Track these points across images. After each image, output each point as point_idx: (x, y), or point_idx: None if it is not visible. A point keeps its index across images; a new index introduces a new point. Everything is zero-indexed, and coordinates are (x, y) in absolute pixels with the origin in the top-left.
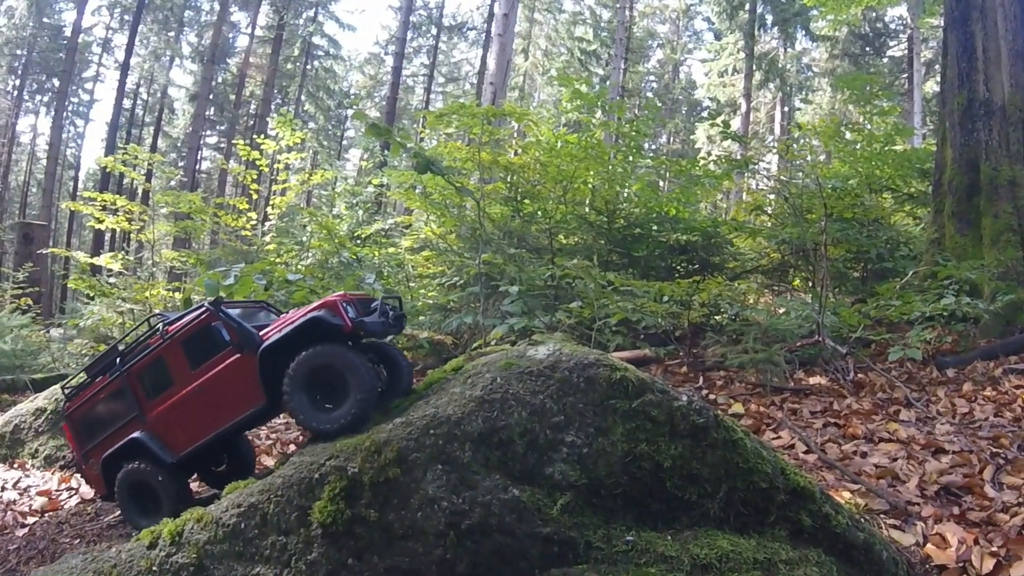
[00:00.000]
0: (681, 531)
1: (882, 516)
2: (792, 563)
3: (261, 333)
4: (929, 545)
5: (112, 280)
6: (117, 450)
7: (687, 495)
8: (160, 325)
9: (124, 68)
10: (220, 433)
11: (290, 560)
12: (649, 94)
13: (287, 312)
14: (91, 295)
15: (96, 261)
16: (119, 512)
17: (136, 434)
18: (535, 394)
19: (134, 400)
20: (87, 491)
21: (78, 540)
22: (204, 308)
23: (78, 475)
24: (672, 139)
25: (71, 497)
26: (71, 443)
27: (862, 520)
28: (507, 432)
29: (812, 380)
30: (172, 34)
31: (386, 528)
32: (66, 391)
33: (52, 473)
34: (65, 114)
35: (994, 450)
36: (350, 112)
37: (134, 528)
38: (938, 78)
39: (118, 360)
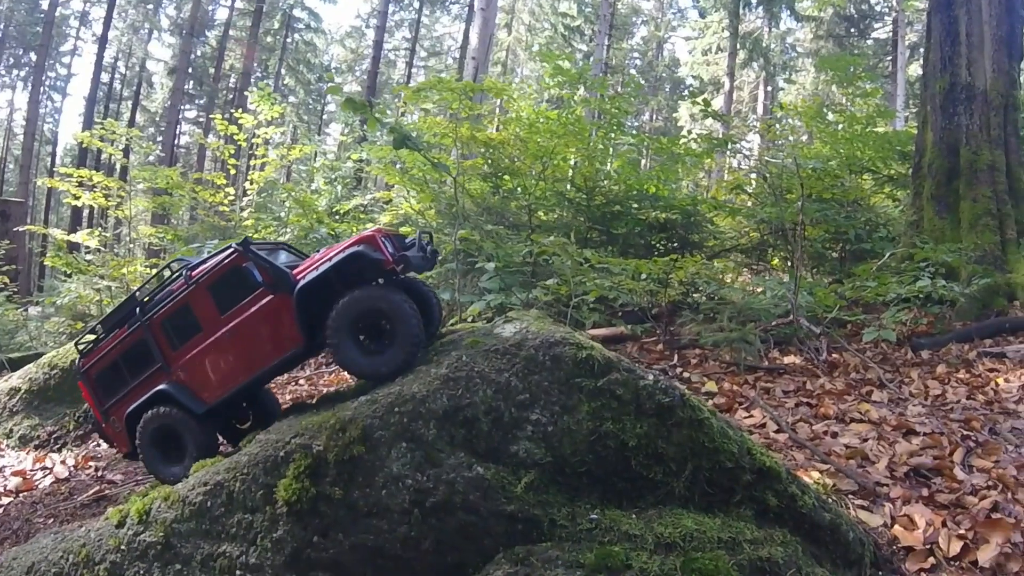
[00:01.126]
0: (646, 509)
1: (850, 497)
2: (757, 542)
3: (293, 272)
4: (896, 526)
5: (89, 257)
6: (142, 404)
7: (652, 474)
8: (183, 270)
9: (102, 41)
10: (255, 378)
11: (256, 538)
12: (632, 71)
13: (318, 250)
14: (68, 272)
15: (73, 238)
16: (93, 492)
17: (162, 386)
18: (500, 372)
19: (157, 351)
20: (61, 471)
21: (52, 520)
22: (232, 249)
23: (96, 435)
24: (655, 116)
25: (45, 477)
26: (88, 401)
27: (829, 500)
28: (472, 410)
29: (786, 360)
30: (151, 7)
31: (351, 506)
32: (80, 347)
33: (27, 453)
34: (42, 89)
35: (965, 433)
36: (334, 80)
37: (157, 478)
38: (922, 61)
39: (138, 310)
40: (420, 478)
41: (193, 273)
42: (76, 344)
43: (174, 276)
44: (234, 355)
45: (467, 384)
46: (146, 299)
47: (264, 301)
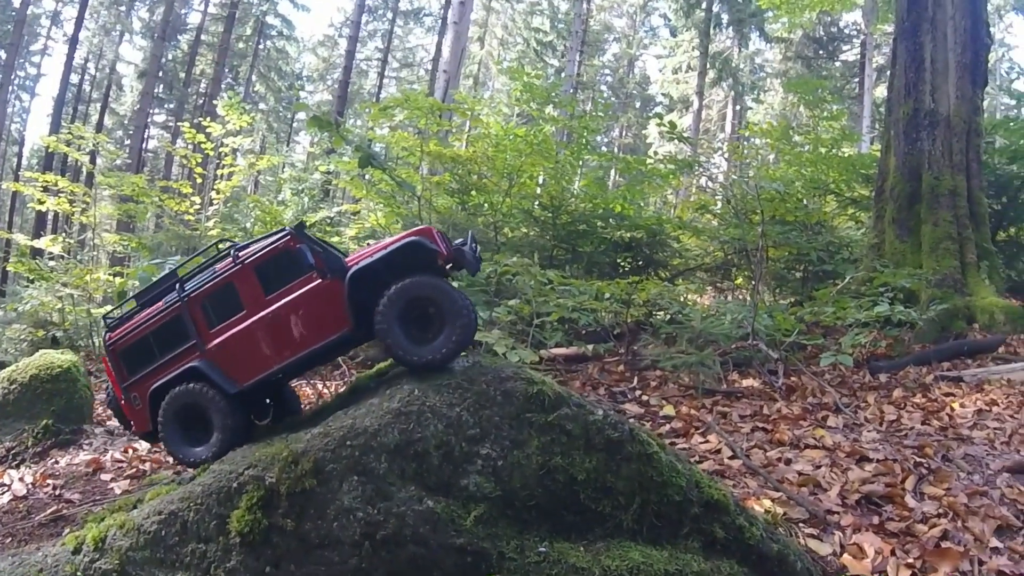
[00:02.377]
0: (594, 542)
1: (801, 525)
2: (703, 574)
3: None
4: (846, 555)
5: (52, 263)
6: (171, 380)
7: (601, 507)
8: (231, 250)
9: (73, 42)
10: (294, 361)
11: (209, 568)
12: (604, 87)
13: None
14: (31, 279)
15: (37, 243)
16: (51, 511)
17: (195, 363)
18: (452, 406)
19: (193, 328)
20: (19, 488)
21: (9, 539)
22: (285, 232)
23: (111, 412)
24: (625, 133)
25: (3, 494)
26: (110, 376)
27: (778, 530)
28: (423, 444)
29: (745, 383)
30: (123, 9)
31: (303, 538)
32: (108, 320)
33: None
34: (11, 88)
35: (918, 459)
36: (300, 95)
37: (178, 461)
38: (887, 86)
39: (177, 286)
40: (371, 511)
41: (241, 253)
42: (104, 317)
43: (219, 255)
44: (276, 336)
45: (418, 418)
46: (186, 276)
47: (313, 285)
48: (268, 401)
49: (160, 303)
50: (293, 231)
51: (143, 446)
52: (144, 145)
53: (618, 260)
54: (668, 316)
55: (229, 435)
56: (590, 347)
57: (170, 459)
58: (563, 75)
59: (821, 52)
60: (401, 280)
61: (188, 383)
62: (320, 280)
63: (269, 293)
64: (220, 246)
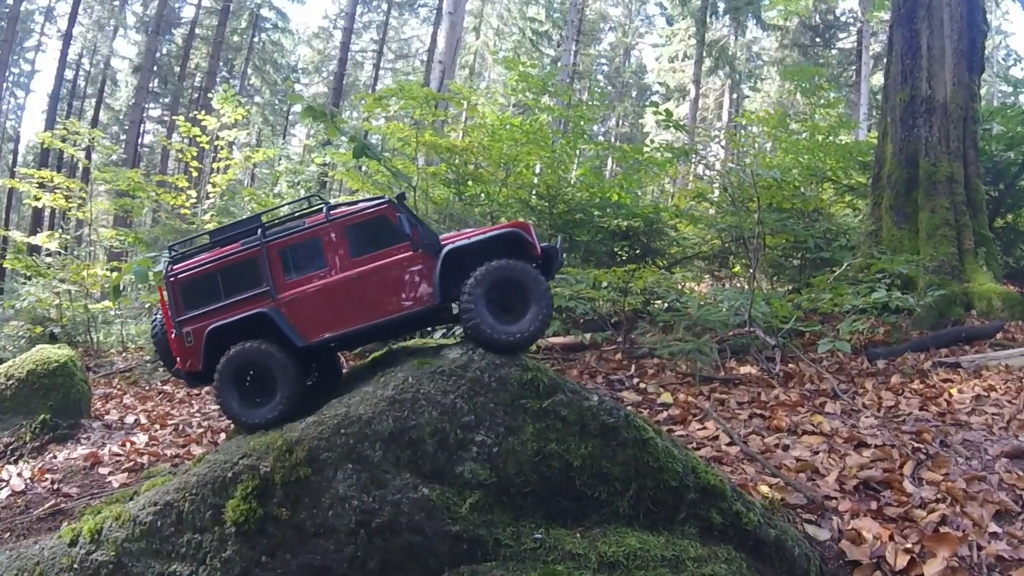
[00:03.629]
0: (590, 529)
1: (799, 510)
2: (701, 560)
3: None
4: (844, 541)
5: (49, 260)
6: (235, 323)
7: (597, 493)
8: (324, 205)
9: (67, 38)
10: (370, 326)
11: (205, 558)
12: (600, 77)
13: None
14: (28, 275)
15: (33, 240)
16: (49, 505)
17: (264, 310)
18: (446, 394)
19: (268, 275)
20: (17, 483)
21: (8, 533)
22: (384, 200)
23: (155, 346)
24: (621, 122)
25: (2, 489)
26: (164, 307)
27: (776, 516)
28: (417, 432)
29: (742, 370)
30: (117, 3)
31: (298, 526)
32: (173, 251)
33: None
34: (5, 85)
35: (916, 445)
36: (295, 88)
37: (239, 424)
38: (884, 73)
39: (260, 230)
40: (366, 499)
41: (334, 211)
42: (170, 248)
43: (308, 209)
44: (356, 299)
45: (413, 406)
46: (271, 223)
47: (403, 255)
48: (313, 364)
49: (236, 244)
50: (393, 200)
51: (140, 439)
52: (140, 140)
53: (615, 249)
54: (665, 304)
55: (293, 395)
56: (587, 336)
57: (167, 453)
58: (559, 64)
59: (818, 40)
60: (486, 263)
61: (251, 337)
62: (412, 252)
63: (357, 255)
64: (312, 200)
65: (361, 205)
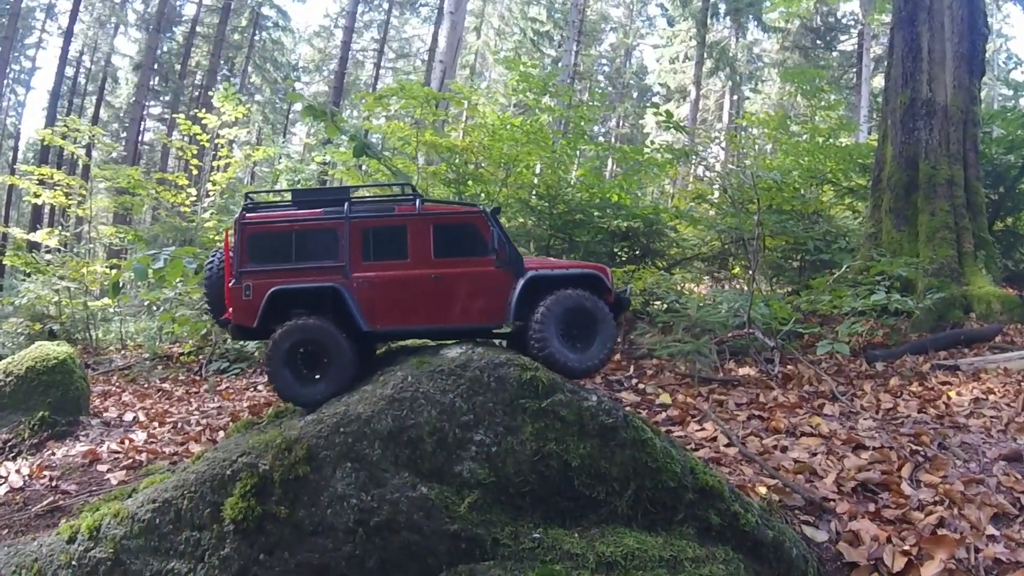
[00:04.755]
0: (588, 529)
1: (796, 512)
2: (698, 561)
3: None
4: (842, 542)
5: (49, 257)
6: (303, 290)
7: (595, 493)
8: (416, 196)
9: (67, 35)
10: (435, 328)
11: (204, 555)
12: (600, 77)
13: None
14: (28, 272)
15: (33, 237)
16: (47, 502)
17: (338, 285)
18: (445, 393)
19: (346, 251)
20: (16, 480)
21: (6, 530)
22: (477, 209)
23: (205, 292)
24: (622, 123)
25: (0, 486)
26: (226, 253)
27: (773, 517)
28: (416, 430)
29: (741, 371)
30: (118, 1)
31: (296, 525)
32: (248, 201)
33: None
34: (6, 82)
35: (914, 447)
36: (296, 86)
37: (290, 400)
38: (885, 75)
39: (347, 204)
40: (364, 498)
41: (428, 206)
42: (248, 195)
43: (399, 197)
44: (430, 298)
45: (412, 405)
46: (360, 200)
47: (486, 268)
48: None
49: (318, 211)
50: (488, 212)
51: (139, 437)
52: (140, 137)
53: (615, 250)
54: (665, 305)
55: (345, 378)
56: None
57: (165, 450)
58: (560, 65)
59: (819, 42)
60: (545, 298)
61: (313, 308)
62: (494, 268)
63: (439, 255)
64: (406, 189)
65: (455, 207)
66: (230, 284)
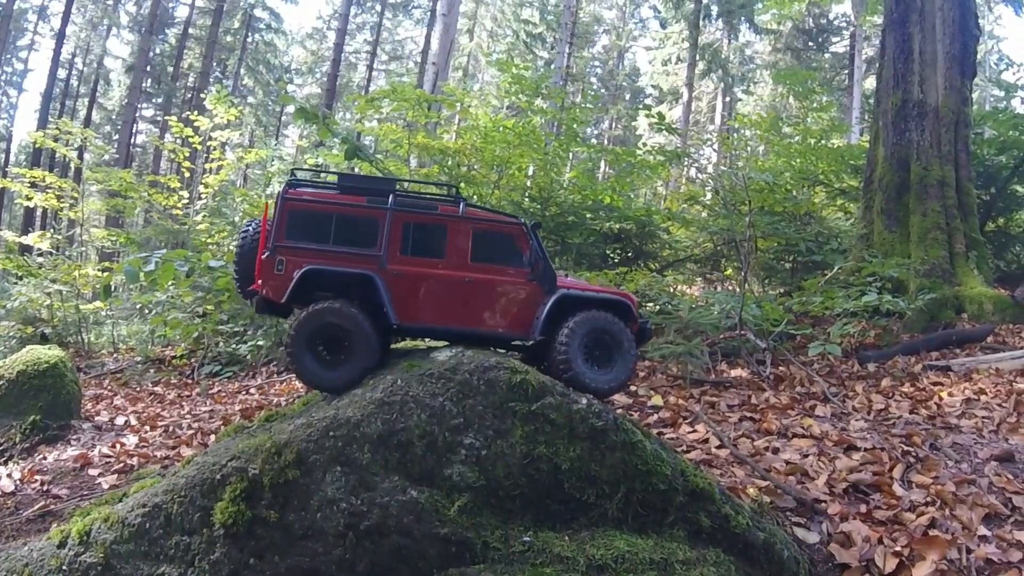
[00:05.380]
0: (579, 532)
1: (788, 513)
2: (689, 563)
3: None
4: (833, 544)
5: (41, 260)
6: (337, 273)
7: (585, 496)
8: (460, 200)
9: (60, 37)
10: (461, 331)
11: (194, 560)
12: (593, 79)
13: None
14: (20, 275)
15: (25, 240)
16: (39, 507)
17: (373, 274)
18: (435, 396)
19: (385, 242)
20: (7, 484)
21: None
22: (519, 221)
23: (235, 261)
24: (614, 125)
25: None
26: (264, 225)
27: (765, 519)
28: (406, 434)
29: (733, 373)
30: (110, 3)
31: (286, 529)
32: (293, 177)
33: None
34: None
35: (906, 448)
36: (288, 89)
37: (311, 384)
38: (876, 77)
39: (392, 196)
40: (354, 501)
41: (471, 211)
42: (294, 171)
43: (450, 198)
44: (461, 301)
45: (401, 408)
46: (404, 193)
47: (519, 280)
48: None
49: (361, 199)
50: (528, 226)
51: (131, 441)
52: (132, 140)
53: (607, 252)
54: (657, 307)
55: (367, 367)
56: None
57: (157, 454)
58: (552, 67)
59: (811, 44)
60: (571, 317)
61: (342, 293)
62: (527, 281)
63: (475, 260)
64: (451, 190)
65: (497, 216)
66: (263, 256)
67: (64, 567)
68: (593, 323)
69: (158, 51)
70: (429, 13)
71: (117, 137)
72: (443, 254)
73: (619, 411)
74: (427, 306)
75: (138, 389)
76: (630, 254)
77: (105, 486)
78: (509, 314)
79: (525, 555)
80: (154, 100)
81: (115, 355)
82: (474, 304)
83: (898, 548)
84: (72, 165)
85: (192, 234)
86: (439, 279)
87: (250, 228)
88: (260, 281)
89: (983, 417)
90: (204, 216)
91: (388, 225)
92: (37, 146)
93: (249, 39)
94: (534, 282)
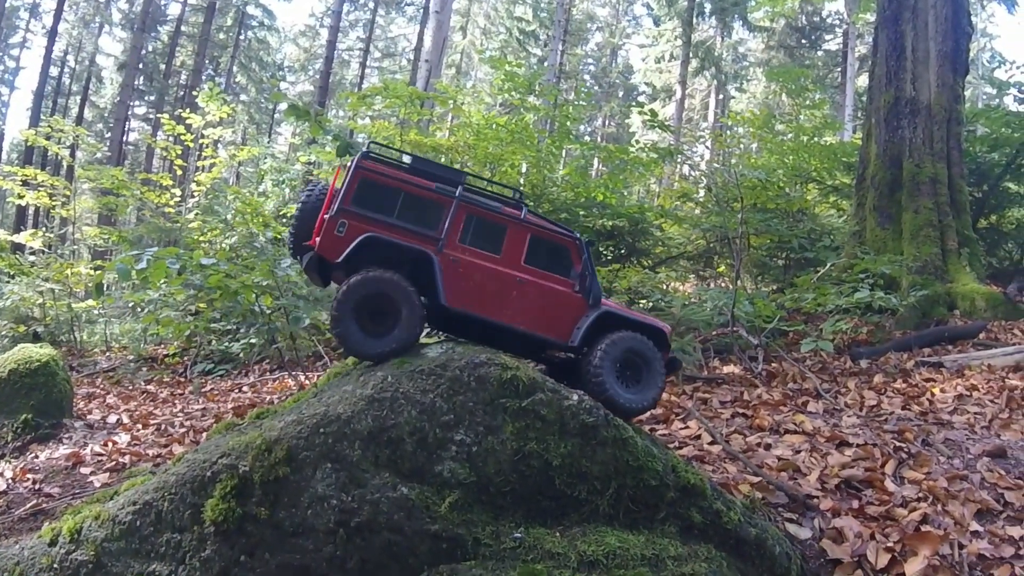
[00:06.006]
0: (570, 528)
1: (780, 509)
2: (681, 559)
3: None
4: (825, 539)
5: (33, 258)
6: (397, 245)
7: (576, 492)
8: (523, 204)
9: (52, 34)
10: (502, 325)
11: (184, 557)
12: (586, 77)
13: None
14: (11, 274)
15: (17, 238)
16: (31, 505)
17: (432, 254)
18: (425, 393)
19: (446, 227)
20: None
21: None
22: (575, 236)
23: (295, 216)
24: (608, 122)
25: None
26: (332, 186)
27: (756, 515)
28: (397, 431)
29: (726, 369)
30: (102, 0)
31: (277, 526)
32: (371, 149)
33: None
34: None
35: (898, 444)
36: (281, 86)
37: (353, 351)
38: (869, 74)
39: (460, 187)
40: (345, 498)
41: (531, 217)
42: (372, 143)
43: (514, 201)
44: (508, 296)
45: (392, 405)
46: (472, 187)
47: (564, 289)
48: None
49: (430, 182)
50: (583, 242)
51: (123, 439)
52: (124, 138)
53: (600, 248)
54: (650, 304)
55: (413, 336)
56: None
57: (149, 452)
58: (546, 64)
59: (804, 41)
60: (608, 335)
61: (393, 267)
62: (573, 292)
63: (528, 263)
64: (516, 195)
65: (555, 226)
66: (326, 215)
67: (55, 565)
68: (630, 343)
69: (150, 49)
70: (422, 10)
71: (109, 135)
72: (499, 251)
73: None
74: (475, 295)
75: (130, 387)
76: (623, 251)
77: (97, 484)
78: (552, 318)
79: (516, 551)
80: (146, 98)
81: (107, 353)
82: (521, 303)
83: (890, 544)
84: (64, 163)
85: (184, 232)
86: (492, 273)
87: (316, 187)
88: (319, 240)
89: (975, 413)
90: (196, 214)
91: (452, 213)
92: (29, 144)
93: (242, 36)
94: (580, 294)
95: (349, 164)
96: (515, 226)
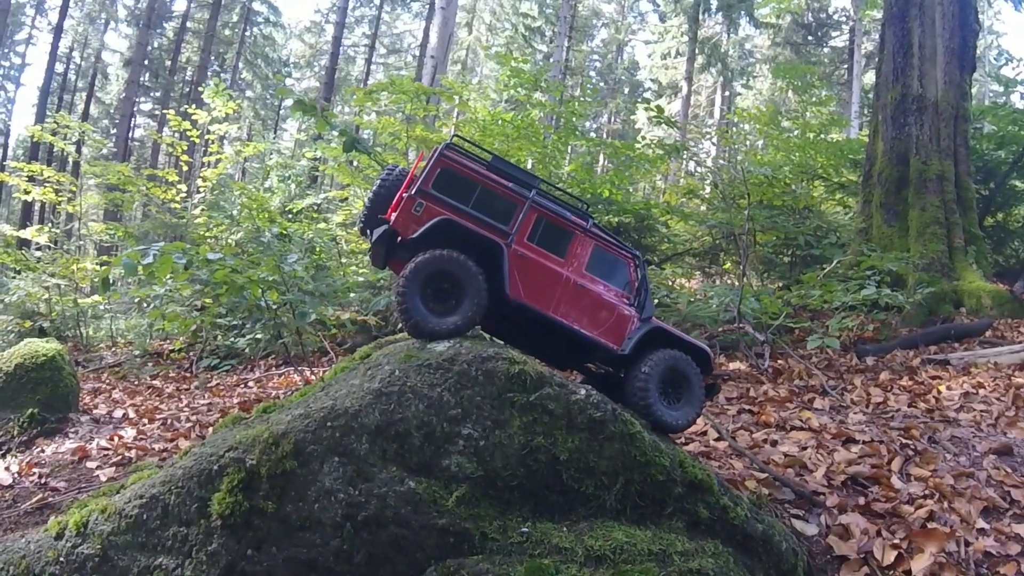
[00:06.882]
0: (577, 523)
1: (787, 506)
2: (687, 554)
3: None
4: (832, 536)
5: (39, 254)
6: (471, 232)
7: (584, 487)
8: (588, 214)
9: (57, 31)
10: (556, 322)
11: (191, 551)
12: (592, 73)
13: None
14: (18, 269)
15: (23, 234)
16: (36, 499)
17: (501, 243)
18: (433, 387)
19: (517, 224)
20: (5, 477)
21: None
22: (635, 253)
23: (372, 191)
24: (613, 118)
25: None
26: (415, 167)
27: (763, 511)
28: (404, 425)
29: (732, 366)
30: None
31: (284, 519)
32: (453, 141)
33: None
34: None
35: (904, 441)
36: (287, 82)
37: (418, 330)
38: (875, 71)
39: (533, 190)
40: (352, 492)
41: (595, 228)
42: (456, 135)
43: (579, 211)
44: (568, 298)
45: (399, 399)
46: (545, 192)
47: (620, 300)
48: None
49: (506, 180)
50: (640, 259)
51: (128, 434)
52: (130, 134)
53: None
54: (656, 300)
55: (477, 315)
56: None
57: (155, 447)
58: (551, 60)
59: (810, 38)
60: (654, 352)
61: (454, 252)
62: (628, 304)
63: (588, 270)
64: (583, 206)
65: (617, 241)
66: (405, 193)
67: (61, 559)
68: (675, 360)
69: (156, 45)
70: (428, 6)
71: (115, 131)
72: (563, 255)
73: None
74: (536, 292)
75: (136, 382)
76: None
77: (103, 478)
78: (606, 325)
79: (523, 546)
80: (152, 94)
81: (113, 349)
82: (579, 305)
83: (896, 540)
84: (70, 159)
85: (190, 228)
86: (554, 273)
87: (395, 169)
88: (395, 215)
89: (981, 411)
90: (202, 210)
91: (524, 212)
92: (35, 140)
93: (247, 33)
94: (633, 308)
95: (432, 151)
96: (581, 234)
